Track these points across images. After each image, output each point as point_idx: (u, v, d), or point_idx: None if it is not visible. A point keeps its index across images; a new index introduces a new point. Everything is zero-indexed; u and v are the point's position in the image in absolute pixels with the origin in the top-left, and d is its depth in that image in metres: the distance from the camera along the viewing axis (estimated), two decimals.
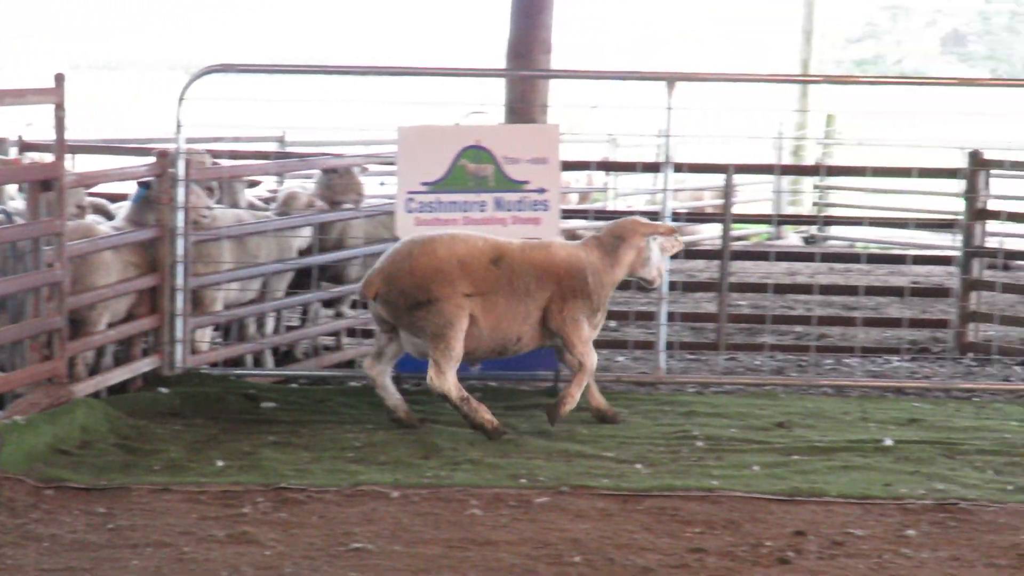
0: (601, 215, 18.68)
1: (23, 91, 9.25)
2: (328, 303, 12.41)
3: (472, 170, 10.70)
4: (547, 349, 10.14)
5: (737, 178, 14.48)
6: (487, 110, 11.25)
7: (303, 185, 13.16)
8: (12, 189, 11.23)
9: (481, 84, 17.02)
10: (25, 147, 14.56)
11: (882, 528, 7.76)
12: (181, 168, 10.74)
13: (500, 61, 15.55)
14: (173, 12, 59.90)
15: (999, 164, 12.94)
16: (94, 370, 10.45)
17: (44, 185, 9.38)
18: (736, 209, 16.76)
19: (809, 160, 24.95)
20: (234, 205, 11.68)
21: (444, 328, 9.42)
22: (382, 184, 18.92)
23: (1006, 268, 16.60)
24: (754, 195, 24.32)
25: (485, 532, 7.56)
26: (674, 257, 10.64)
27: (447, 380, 9.42)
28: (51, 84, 9.26)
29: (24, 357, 9.44)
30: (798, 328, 13.96)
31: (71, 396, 9.35)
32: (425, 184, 10.83)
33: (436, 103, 11.33)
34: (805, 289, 14.77)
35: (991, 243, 13.80)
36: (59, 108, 9.28)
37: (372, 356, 9.94)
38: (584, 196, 21.42)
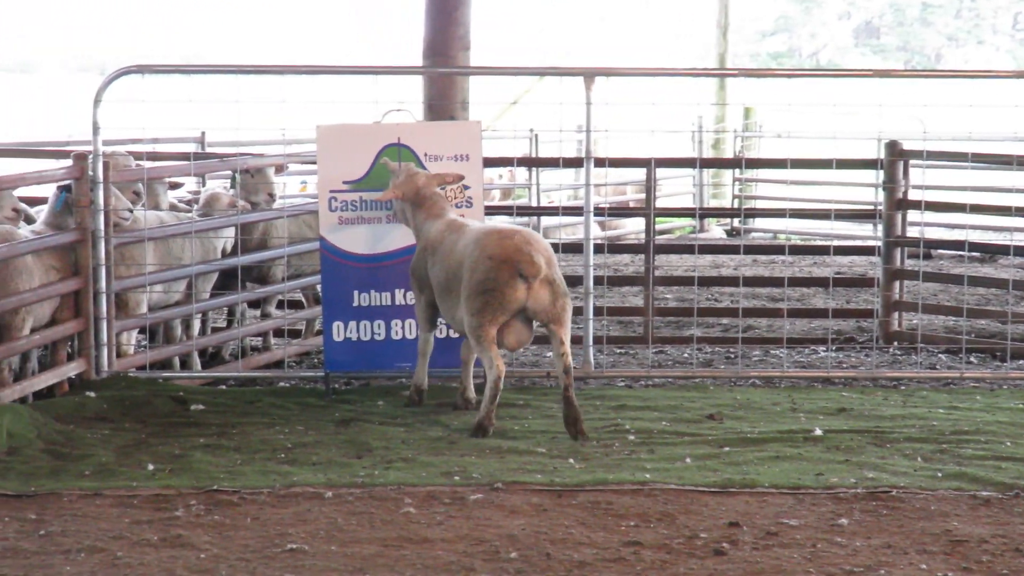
0: (524, 211, 18.79)
1: None
2: (254, 304, 12.33)
3: (393, 168, 10.65)
4: None
5: (659, 172, 14.52)
6: (406, 108, 11.16)
7: (225, 186, 13.07)
8: None
9: (400, 82, 16.95)
10: None
11: (815, 517, 7.81)
12: (99, 170, 10.62)
13: (419, 59, 15.51)
14: (84, 12, 59.29)
15: (917, 154, 13.06)
16: (19, 375, 10.32)
17: None
18: (659, 203, 16.81)
19: (729, 153, 25.10)
20: (156, 207, 11.57)
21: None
22: (303, 183, 18.87)
23: (927, 257, 16.78)
24: (676, 189, 24.43)
25: (420, 530, 7.54)
26: (598, 251, 10.65)
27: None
28: None
29: None
30: (725, 320, 14.04)
31: None
32: (347, 183, 10.79)
33: (354, 102, 11.25)
34: (731, 281, 14.83)
35: (912, 232, 13.92)
36: None
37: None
38: (507, 192, 21.43)
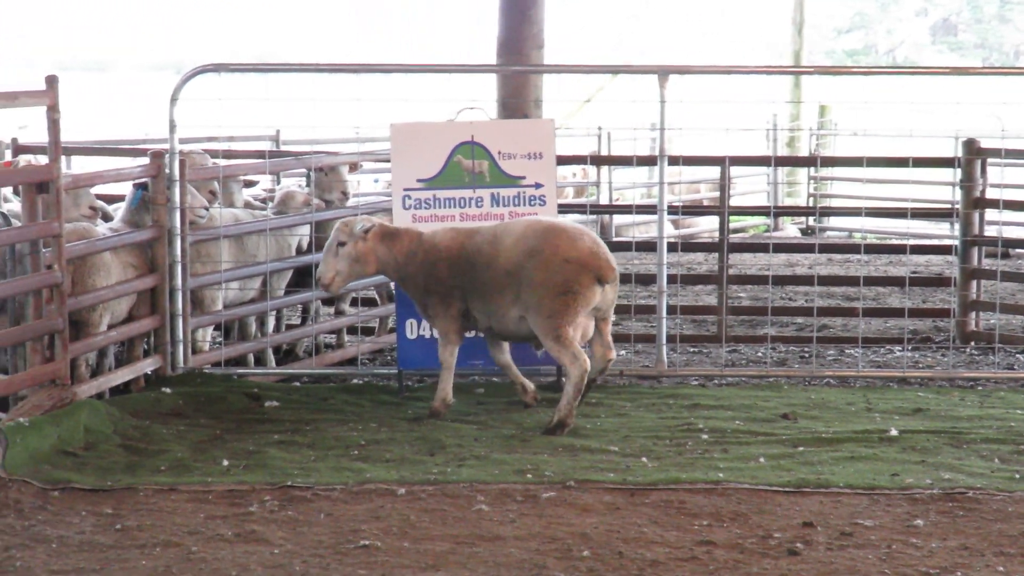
0: (597, 209, 18.77)
1: (15, 94, 9.21)
2: (328, 301, 12.39)
3: (467, 166, 10.67)
4: None
5: (733, 170, 14.46)
6: (479, 106, 11.16)
7: (300, 184, 13.14)
8: (8, 192, 11.19)
9: (474, 80, 16.97)
10: (19, 150, 14.52)
11: (890, 518, 7.75)
12: (176, 168, 10.71)
13: (493, 57, 15.53)
14: (161, 12, 59.80)
15: (995, 152, 12.92)
16: (96, 371, 10.43)
17: (40, 187, 9.34)
18: (733, 201, 16.74)
19: (803, 151, 24.94)
20: (230, 205, 11.66)
21: None
22: (375, 181, 18.94)
23: (1005, 256, 16.60)
24: (750, 187, 24.32)
25: (493, 528, 7.54)
26: (672, 250, 10.62)
27: None
28: (43, 86, 9.21)
29: (26, 359, 9.41)
30: (799, 319, 13.95)
31: (74, 397, 9.32)
32: (420, 181, 10.80)
33: (428, 100, 11.27)
34: (805, 280, 14.74)
35: (989, 231, 13.77)
36: (52, 110, 9.24)
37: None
38: (580, 190, 21.42)
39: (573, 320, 9.59)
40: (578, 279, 9.53)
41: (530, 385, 10.31)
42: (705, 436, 9.45)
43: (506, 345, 10.27)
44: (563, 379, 10.04)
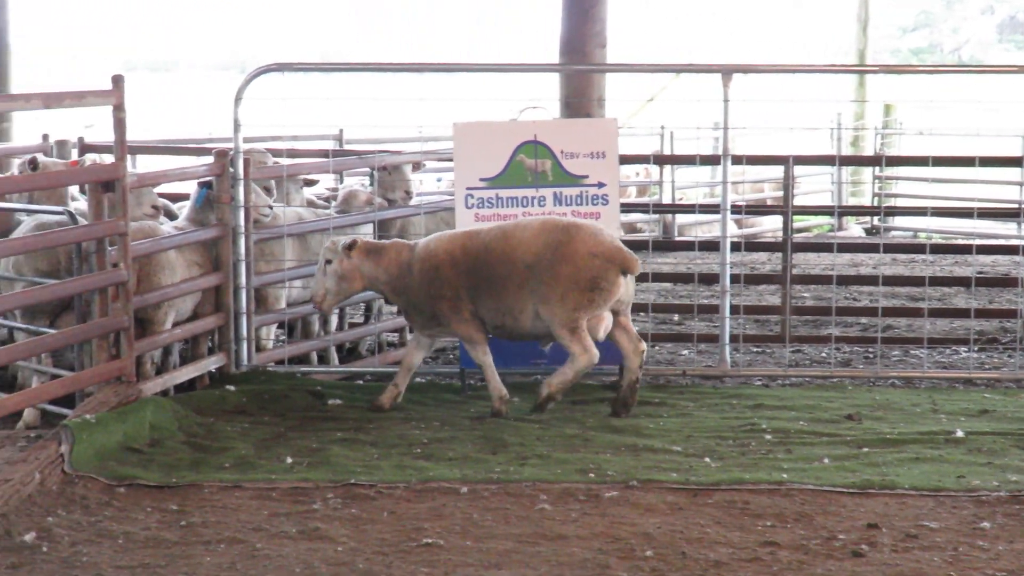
0: (659, 208, 18.72)
1: (82, 93, 9.28)
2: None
3: (530, 165, 10.67)
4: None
5: (797, 170, 14.38)
6: (542, 105, 11.16)
7: (363, 183, 13.17)
8: (75, 190, 11.29)
9: (536, 79, 16.95)
10: (85, 148, 14.64)
11: (956, 520, 7.68)
12: (240, 167, 10.77)
13: (555, 56, 15.51)
14: (225, 12, 60.16)
15: None
16: (161, 369, 10.51)
17: (106, 186, 9.41)
18: (796, 201, 16.65)
19: (868, 151, 24.77)
20: (289, 204, 11.70)
21: None
22: (439, 180, 18.96)
23: None
24: (814, 186, 24.18)
25: (555, 527, 7.53)
26: (735, 249, 10.57)
27: None
28: (109, 86, 9.28)
29: (92, 356, 9.50)
30: (864, 320, 13.85)
31: (140, 394, 9.39)
32: (483, 180, 10.81)
33: (491, 99, 11.27)
34: (870, 280, 14.60)
35: None
36: (118, 109, 9.30)
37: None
38: (642, 190, 21.37)
39: (594, 314, 9.72)
40: (605, 274, 9.67)
41: (400, 398, 10.23)
42: (769, 436, 9.40)
43: (423, 354, 10.39)
44: (630, 378, 10.00)
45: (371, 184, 12.32)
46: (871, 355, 12.31)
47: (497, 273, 9.79)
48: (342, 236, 10.38)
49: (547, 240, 9.72)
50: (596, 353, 9.71)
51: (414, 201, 12.45)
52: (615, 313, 9.90)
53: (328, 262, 10.03)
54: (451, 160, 11.43)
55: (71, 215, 9.65)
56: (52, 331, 9.55)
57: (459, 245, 9.95)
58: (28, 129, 18.20)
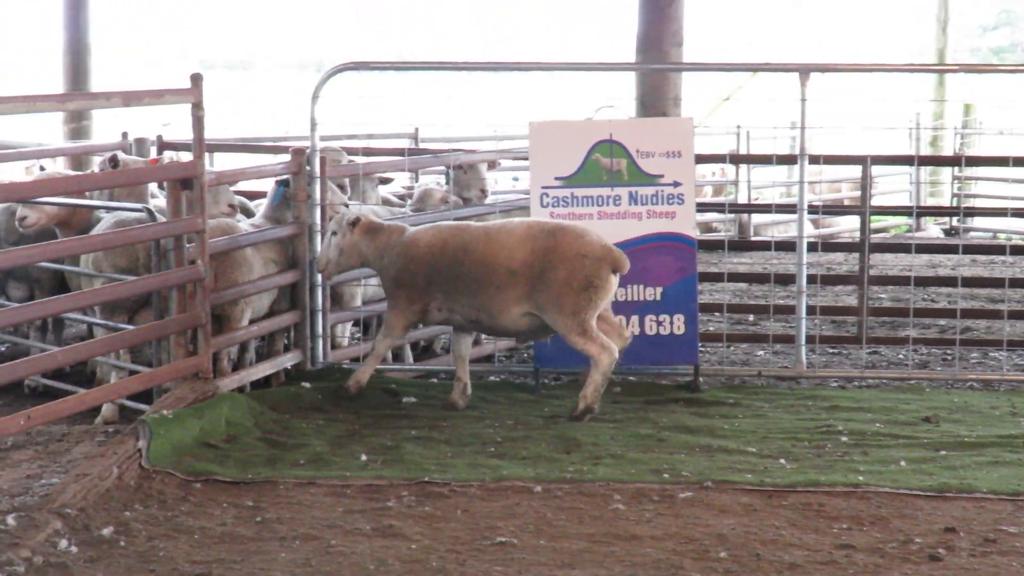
0: (735, 208, 18.63)
1: (161, 91, 9.35)
2: None
3: (605, 164, 10.66)
4: (688, 341, 10.24)
5: (875, 169, 14.26)
6: (618, 104, 11.14)
7: (439, 182, 13.19)
8: (154, 187, 11.39)
9: (611, 78, 16.93)
10: (163, 146, 14.78)
11: None
12: (316, 165, 10.83)
13: (631, 55, 15.47)
14: (302, 11, 60.49)
15: None
16: (237, 365, 10.58)
17: (184, 184, 9.49)
18: (874, 201, 16.51)
19: (947, 151, 24.54)
20: (363, 203, 11.75)
21: None
22: (515, 180, 18.98)
23: None
24: (892, 187, 23.99)
25: (629, 527, 7.51)
26: (812, 249, 10.50)
27: None
28: (187, 84, 9.35)
29: (170, 353, 9.58)
30: (942, 321, 13.72)
31: (216, 391, 9.45)
32: (558, 179, 10.81)
33: (567, 98, 11.27)
34: (948, 281, 14.48)
35: None
36: (197, 107, 9.37)
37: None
38: (718, 189, 21.29)
39: (595, 313, 9.74)
40: (598, 273, 9.71)
41: (468, 388, 10.28)
42: (845, 438, 9.33)
43: (470, 339, 10.41)
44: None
45: (446, 183, 12.34)
46: (949, 357, 12.18)
47: (474, 273, 9.86)
48: (353, 210, 10.45)
49: (534, 247, 9.78)
50: (614, 348, 9.70)
51: (488, 200, 12.46)
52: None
53: (334, 233, 10.17)
54: (526, 159, 11.42)
55: (150, 212, 9.73)
56: (130, 327, 9.63)
57: (441, 240, 10.03)
58: (107, 127, 18.40)
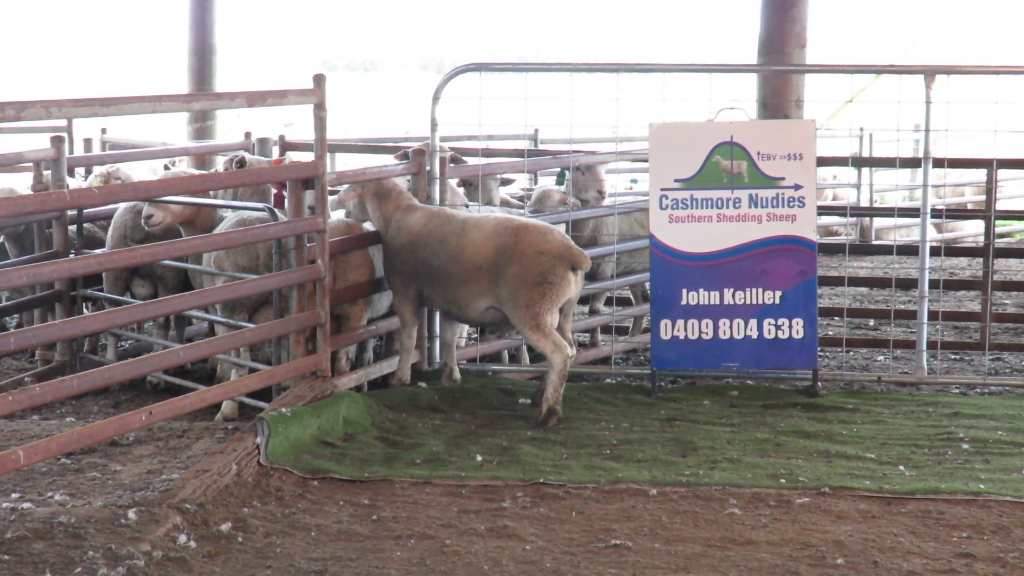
0: (856, 211, 18.42)
1: (284, 92, 9.45)
2: (583, 299, 12.42)
3: (726, 166, 10.59)
4: (807, 345, 10.15)
5: (1001, 173, 14.03)
6: (739, 106, 11.07)
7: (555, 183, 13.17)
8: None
9: (733, 80, 16.78)
10: (286, 147, 14.93)
11: None
12: (436, 166, 10.88)
13: (752, 56, 15.36)
14: (423, 12, 60.82)
15: None
16: (356, 364, 10.65)
17: (306, 183, 9.59)
18: (1000, 205, 16.24)
19: None
20: (488, 202, 11.79)
21: None
22: (634, 181, 18.92)
23: None
24: (1019, 191, 23.58)
25: (745, 532, 7.46)
26: (935, 254, 10.35)
27: None
28: (310, 85, 9.44)
29: (289, 351, 9.68)
30: None
31: (334, 389, 9.53)
32: (678, 181, 10.77)
33: (687, 99, 11.19)
34: None
35: None
36: (319, 108, 9.46)
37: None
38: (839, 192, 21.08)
39: (551, 309, 9.76)
40: (554, 269, 9.72)
41: (457, 375, 10.56)
42: (966, 446, 9.19)
43: (458, 328, 10.66)
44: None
45: (557, 182, 12.35)
46: None
47: (447, 267, 10.00)
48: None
49: (497, 243, 9.87)
50: (567, 346, 9.72)
51: (607, 201, 12.45)
52: (560, 312, 9.91)
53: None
54: (645, 160, 11.38)
55: (272, 212, 9.84)
56: (251, 325, 9.74)
57: (423, 226, 10.18)
58: (230, 127, 18.64)
